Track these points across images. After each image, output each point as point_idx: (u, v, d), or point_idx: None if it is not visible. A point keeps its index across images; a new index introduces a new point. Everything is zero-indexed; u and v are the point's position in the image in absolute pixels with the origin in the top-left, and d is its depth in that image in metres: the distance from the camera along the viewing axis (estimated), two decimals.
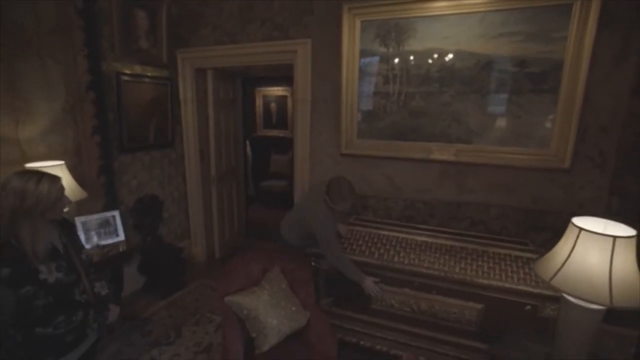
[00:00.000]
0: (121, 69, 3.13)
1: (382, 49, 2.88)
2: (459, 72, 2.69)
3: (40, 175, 1.37)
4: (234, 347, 2.05)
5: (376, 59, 2.91)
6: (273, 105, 6.67)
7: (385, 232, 2.72)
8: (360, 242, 2.65)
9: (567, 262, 1.48)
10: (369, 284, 2.42)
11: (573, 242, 1.49)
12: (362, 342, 2.61)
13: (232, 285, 2.26)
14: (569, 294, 1.47)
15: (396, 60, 2.85)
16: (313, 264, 2.66)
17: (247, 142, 6.00)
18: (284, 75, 4.52)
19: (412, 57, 2.80)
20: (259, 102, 6.75)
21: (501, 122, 2.67)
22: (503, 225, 2.79)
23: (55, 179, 1.41)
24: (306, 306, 2.34)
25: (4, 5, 2.26)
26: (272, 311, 2.16)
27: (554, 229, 2.65)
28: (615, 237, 1.38)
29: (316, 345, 2.19)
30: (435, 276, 2.34)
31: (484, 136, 2.72)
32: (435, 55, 2.73)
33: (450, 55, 2.69)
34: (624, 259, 1.38)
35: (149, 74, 3.43)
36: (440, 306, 2.40)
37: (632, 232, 1.43)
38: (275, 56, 3.33)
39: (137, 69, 3.31)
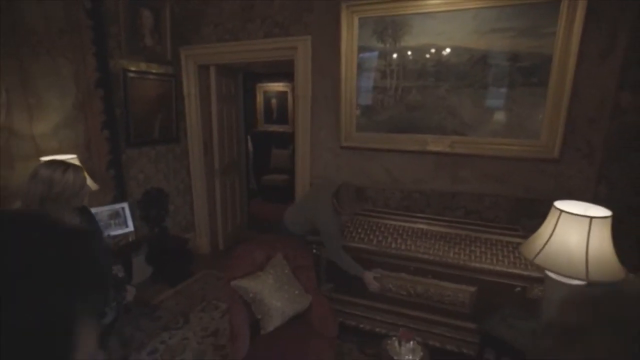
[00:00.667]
0: (127, 66, 3.24)
1: (380, 45, 2.99)
2: (454, 67, 2.80)
3: (66, 165, 1.50)
4: (241, 328, 2.18)
5: (374, 54, 3.03)
6: (274, 100, 6.78)
7: (384, 221, 2.85)
8: (360, 230, 2.77)
9: (549, 242, 1.61)
10: (368, 278, 2.54)
11: (554, 223, 1.62)
12: (361, 325, 2.75)
13: (238, 270, 2.39)
14: (551, 271, 1.60)
15: (393, 56, 2.96)
16: (314, 251, 2.79)
17: (249, 137, 6.12)
18: (284, 71, 4.61)
19: (408, 53, 2.91)
20: (259, 98, 6.86)
21: (494, 115, 2.79)
22: (496, 214, 2.92)
23: (79, 169, 1.54)
24: (308, 290, 2.47)
25: (16, 7, 2.37)
26: (276, 294, 2.29)
27: (545, 217, 2.77)
28: (591, 218, 1.51)
29: (318, 326, 2.32)
30: (431, 261, 2.47)
31: (477, 128, 2.84)
32: (431, 51, 2.84)
33: (445, 51, 2.79)
34: (600, 237, 1.51)
35: (153, 71, 3.54)
36: (435, 289, 2.53)
37: (607, 213, 1.56)
38: (276, 53, 3.44)
39: (143, 66, 3.42)
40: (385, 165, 3.15)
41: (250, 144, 6.35)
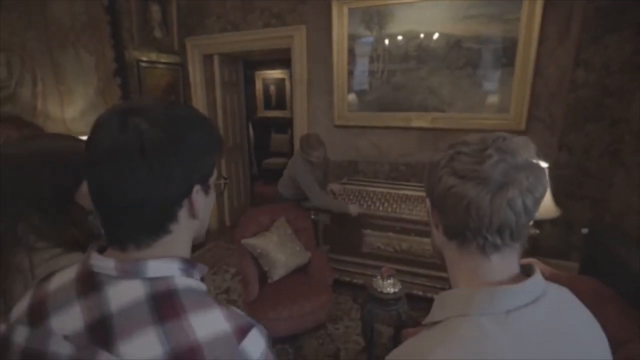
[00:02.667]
0: (140, 56, 3.59)
1: (367, 33, 3.32)
2: (433, 51, 3.15)
3: None
4: (251, 276, 2.57)
5: (362, 41, 3.36)
6: (272, 87, 7.10)
7: (373, 189, 3.23)
8: (352, 197, 3.15)
9: None
10: (353, 208, 2.89)
11: None
12: (355, 280, 3.14)
13: (247, 231, 2.78)
14: None
15: (379, 42, 3.30)
16: (312, 217, 3.17)
17: (249, 124, 6.45)
18: (281, 58, 4.94)
19: (392, 39, 3.25)
20: (258, 85, 7.18)
21: (469, 92, 3.13)
22: None
23: None
24: (308, 248, 2.86)
25: (46, 6, 2.71)
26: (280, 250, 2.68)
27: None
28: None
29: (316, 276, 2.72)
30: (414, 221, 2.86)
31: (455, 105, 3.19)
32: (413, 37, 3.17)
33: (425, 36, 3.13)
34: None
35: (163, 61, 3.88)
36: (417, 245, 2.92)
37: (545, 165, 1.93)
38: (274, 41, 3.77)
39: (153, 56, 3.76)
40: (374, 141, 3.52)
41: (251, 130, 6.70)
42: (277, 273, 2.63)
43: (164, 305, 0.52)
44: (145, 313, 0.51)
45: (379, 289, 2.15)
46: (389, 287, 2.14)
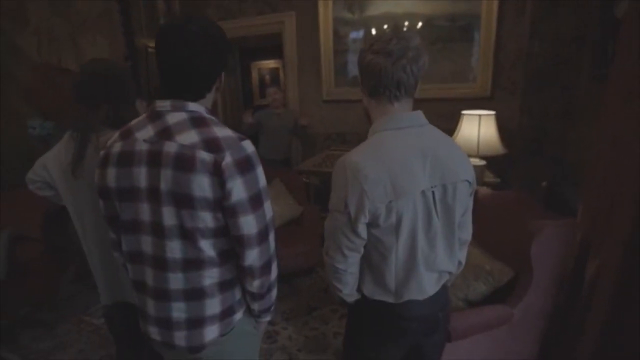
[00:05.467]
0: (148, 43, 3.97)
1: (349, 16, 3.72)
2: (408, 29, 3.54)
3: None
4: None
5: (345, 23, 3.75)
6: (267, 77, 7.50)
7: None
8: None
9: (458, 135, 2.39)
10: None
11: (461, 123, 2.39)
12: None
13: None
14: None
15: (361, 24, 3.69)
16: (305, 180, 3.56)
17: None
18: (274, 43, 5.30)
19: (372, 20, 3.64)
20: (254, 75, 7.57)
21: (441, 65, 3.52)
22: None
23: None
24: (300, 204, 3.26)
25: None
26: (275, 202, 3.08)
27: None
28: (480, 115, 2.28)
29: (308, 226, 3.12)
30: None
31: (429, 77, 3.56)
32: (389, 18, 3.57)
33: (400, 17, 3.53)
34: (486, 128, 2.29)
35: None
36: None
37: (492, 112, 2.33)
38: (267, 27, 4.16)
39: None
40: (358, 113, 3.89)
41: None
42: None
43: (198, 122, 0.93)
44: (188, 125, 0.92)
45: None
46: None
